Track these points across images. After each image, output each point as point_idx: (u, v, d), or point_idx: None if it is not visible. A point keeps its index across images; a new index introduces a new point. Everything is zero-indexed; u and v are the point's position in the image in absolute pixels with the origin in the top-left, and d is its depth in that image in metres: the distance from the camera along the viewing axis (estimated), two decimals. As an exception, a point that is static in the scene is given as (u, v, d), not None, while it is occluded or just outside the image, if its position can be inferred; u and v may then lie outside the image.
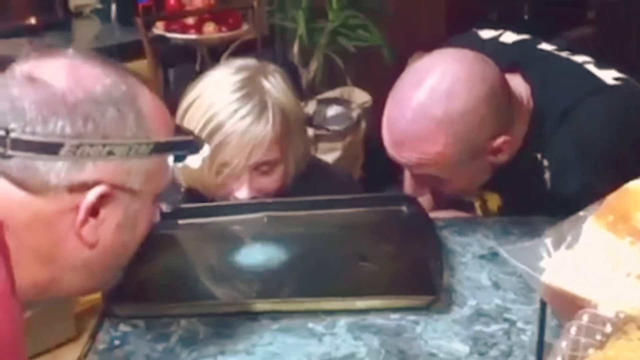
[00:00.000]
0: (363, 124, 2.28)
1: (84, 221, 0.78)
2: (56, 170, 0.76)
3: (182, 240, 1.19)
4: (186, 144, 0.87)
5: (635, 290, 0.56)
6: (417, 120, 1.11)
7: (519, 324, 0.98)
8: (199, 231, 1.19)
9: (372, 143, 2.03)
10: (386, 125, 1.15)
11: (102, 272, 0.85)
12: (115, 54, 2.06)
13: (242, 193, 1.21)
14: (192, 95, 1.22)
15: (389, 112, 1.15)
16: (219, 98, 1.19)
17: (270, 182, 1.22)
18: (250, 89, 1.20)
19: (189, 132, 0.90)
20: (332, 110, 2.29)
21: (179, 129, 0.89)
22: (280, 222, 1.19)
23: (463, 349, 0.94)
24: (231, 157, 1.18)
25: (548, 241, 0.63)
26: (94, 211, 0.78)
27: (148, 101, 0.82)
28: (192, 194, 1.28)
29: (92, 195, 0.77)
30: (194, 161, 0.87)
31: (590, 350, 0.51)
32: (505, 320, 0.99)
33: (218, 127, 1.17)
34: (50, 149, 0.75)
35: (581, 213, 0.66)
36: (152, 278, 1.08)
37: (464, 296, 1.03)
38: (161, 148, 0.82)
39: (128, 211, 0.81)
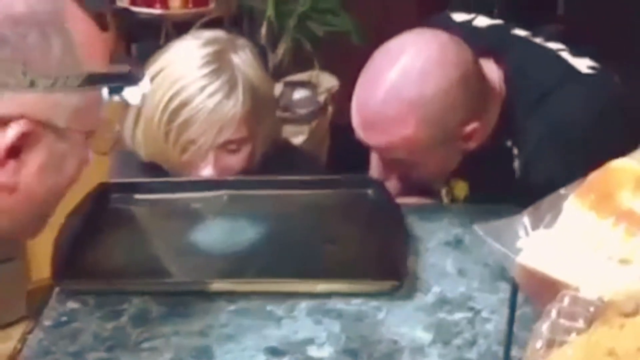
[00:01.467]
0: (330, 109, 2.25)
1: (2, 163, 0.70)
2: None
3: (138, 215, 1.14)
4: (124, 76, 0.78)
5: (616, 274, 0.53)
6: (389, 102, 1.08)
7: (484, 313, 0.95)
8: (156, 207, 1.15)
9: (339, 128, 2.00)
10: (356, 106, 1.12)
11: (24, 219, 0.77)
12: None
13: (207, 171, 1.17)
14: (157, 66, 1.17)
15: (360, 93, 1.12)
16: (186, 72, 1.14)
17: (236, 161, 1.18)
18: (219, 64, 1.15)
19: (129, 62, 0.83)
20: (299, 94, 2.25)
21: (117, 59, 0.80)
22: (241, 201, 1.15)
23: (426, 336, 0.91)
24: (198, 136, 1.13)
25: (526, 220, 0.60)
26: (13, 151, 0.70)
27: (81, 26, 0.73)
28: (150, 167, 1.23)
29: (11, 132, 0.69)
30: (132, 96, 0.80)
31: (573, 335, 0.48)
32: (470, 308, 0.96)
33: (185, 104, 1.13)
34: None
35: (562, 191, 0.63)
36: (104, 253, 1.04)
37: (428, 283, 1.01)
38: (93, 80, 0.73)
39: (53, 152, 0.73)
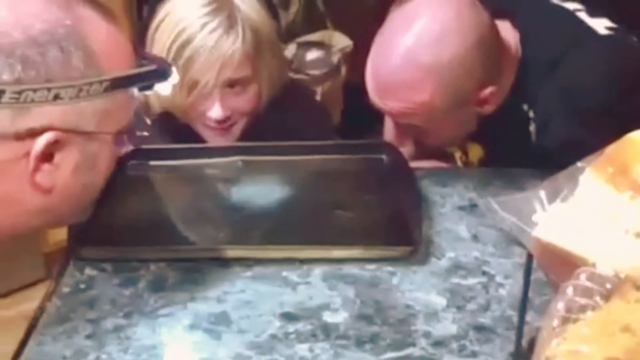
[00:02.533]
0: (343, 70, 2.23)
1: (36, 168, 0.75)
2: (0, 118, 0.72)
3: (153, 182, 1.14)
4: (149, 74, 0.81)
5: (633, 248, 0.53)
6: (404, 67, 1.06)
7: (498, 278, 0.96)
8: (171, 173, 1.15)
9: (352, 89, 1.98)
10: (371, 71, 1.11)
11: (64, 214, 0.82)
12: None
13: (215, 111, 1.18)
14: (163, 12, 1.20)
15: (375, 58, 1.10)
16: (188, 12, 1.18)
17: (243, 101, 1.20)
18: (219, 3, 1.18)
19: (155, 59, 0.84)
20: (312, 54, 2.22)
21: (145, 57, 0.82)
22: (256, 167, 1.15)
23: (440, 301, 0.92)
24: (201, 74, 1.16)
25: (542, 193, 0.59)
26: (47, 157, 0.75)
27: (100, 33, 0.76)
28: (164, 121, 1.23)
29: (40, 142, 0.73)
30: (164, 88, 0.82)
31: (588, 313, 0.48)
32: (484, 273, 0.97)
33: (187, 42, 1.15)
34: None
35: (579, 164, 0.62)
36: (121, 220, 1.04)
37: (442, 248, 1.01)
38: (118, 84, 0.76)
39: (85, 153, 0.77)
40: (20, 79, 0.71)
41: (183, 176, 1.15)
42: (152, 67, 0.81)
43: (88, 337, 0.87)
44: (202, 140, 1.25)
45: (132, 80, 0.79)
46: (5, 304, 2.03)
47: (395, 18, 1.11)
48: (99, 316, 0.90)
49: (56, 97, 0.73)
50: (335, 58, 2.21)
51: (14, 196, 0.76)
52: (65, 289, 0.95)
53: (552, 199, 0.59)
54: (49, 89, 0.72)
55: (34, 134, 0.73)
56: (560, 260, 0.56)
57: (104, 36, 0.76)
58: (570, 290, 0.50)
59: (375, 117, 1.33)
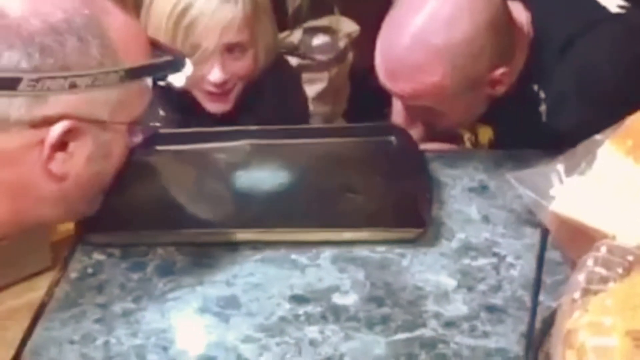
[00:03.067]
0: (350, 55, 2.21)
1: (51, 156, 0.75)
2: (16, 105, 0.72)
3: (160, 167, 1.13)
4: (164, 65, 0.82)
5: (654, 220, 0.52)
6: (415, 48, 1.05)
7: (509, 259, 0.95)
8: (179, 158, 1.14)
9: (359, 75, 1.97)
10: (380, 53, 1.10)
11: (77, 203, 0.82)
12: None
13: (215, 74, 1.21)
14: None
15: (384, 39, 1.09)
16: None
17: (241, 66, 1.23)
18: None
19: (169, 50, 0.85)
20: (318, 40, 2.20)
21: (158, 48, 0.83)
22: (264, 150, 1.14)
23: (451, 282, 0.91)
24: (202, 39, 1.18)
25: (560, 167, 0.58)
26: (61, 145, 0.75)
27: (117, 24, 0.76)
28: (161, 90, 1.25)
29: (55, 130, 0.74)
30: (177, 79, 0.83)
31: (610, 284, 0.47)
32: (494, 254, 0.96)
33: (187, 8, 1.17)
34: (6, 84, 0.71)
35: (597, 137, 0.61)
36: (128, 205, 1.03)
37: (452, 230, 1.00)
38: (134, 74, 0.77)
39: (99, 142, 0.78)
40: (37, 67, 0.71)
41: (190, 161, 1.14)
42: (168, 57, 0.82)
43: (97, 321, 0.87)
44: (200, 107, 1.25)
45: (147, 71, 0.79)
46: (12, 293, 2.03)
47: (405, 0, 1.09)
48: (108, 300, 0.90)
49: (72, 85, 0.73)
50: (342, 43, 2.19)
51: (28, 184, 0.76)
52: (73, 274, 0.94)
53: (570, 172, 0.58)
54: (65, 78, 0.72)
55: (49, 122, 0.74)
56: (578, 235, 0.54)
57: (121, 26, 0.77)
58: (590, 262, 0.49)
59: (383, 102, 1.32)
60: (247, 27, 1.20)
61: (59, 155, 0.76)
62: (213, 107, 1.25)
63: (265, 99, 1.29)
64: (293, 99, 1.39)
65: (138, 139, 0.85)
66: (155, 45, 0.83)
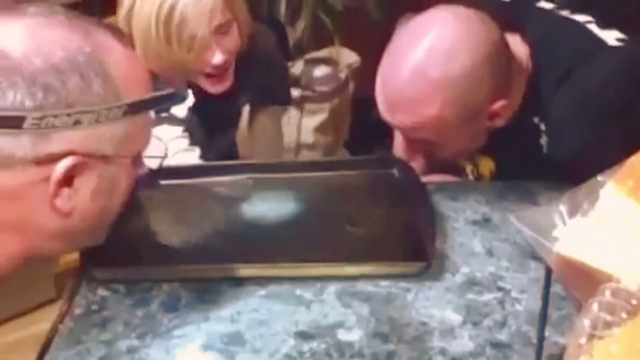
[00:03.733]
0: (351, 86, 2.22)
1: (56, 193, 0.75)
2: (21, 143, 0.72)
3: (163, 201, 1.14)
4: (166, 98, 0.83)
5: (657, 262, 0.52)
6: (414, 82, 1.06)
7: (513, 293, 0.95)
8: (182, 192, 1.15)
9: (360, 104, 1.98)
10: (380, 85, 1.10)
11: (82, 237, 0.83)
12: (96, 7, 1.99)
13: (217, 57, 1.29)
14: None
15: (384, 72, 1.10)
16: None
17: (231, 41, 1.32)
18: None
19: (169, 83, 0.86)
20: (320, 71, 2.21)
21: (159, 80, 0.85)
22: (266, 184, 1.14)
23: (456, 318, 0.91)
24: (195, 28, 1.25)
25: (563, 208, 0.59)
26: (67, 181, 0.75)
27: (118, 59, 0.77)
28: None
29: (61, 167, 0.74)
30: (180, 110, 0.84)
31: (614, 329, 0.47)
32: (499, 289, 0.96)
33: (173, 7, 1.23)
34: (11, 122, 0.71)
35: (599, 177, 0.61)
36: (132, 241, 1.04)
37: (456, 263, 1.00)
38: (136, 108, 0.78)
39: (104, 177, 0.78)
40: (41, 105, 0.72)
41: (193, 195, 1.14)
42: (170, 90, 0.82)
43: (101, 359, 0.87)
44: (202, 91, 1.30)
45: (149, 104, 0.80)
46: (16, 325, 2.02)
47: (405, 32, 1.10)
48: (112, 337, 0.90)
49: (76, 122, 0.73)
50: (342, 74, 2.21)
51: (33, 220, 0.76)
52: (78, 310, 0.94)
53: (572, 213, 0.59)
54: (69, 115, 0.73)
55: (54, 158, 0.74)
56: (582, 276, 0.55)
57: (122, 61, 0.77)
58: (595, 307, 0.49)
59: (384, 131, 1.32)
60: (229, 6, 1.29)
61: (65, 191, 0.76)
62: (216, 88, 1.32)
63: (255, 69, 1.38)
64: (276, 64, 1.50)
65: (143, 170, 0.85)
66: (156, 78, 0.84)
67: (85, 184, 0.77)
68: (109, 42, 0.77)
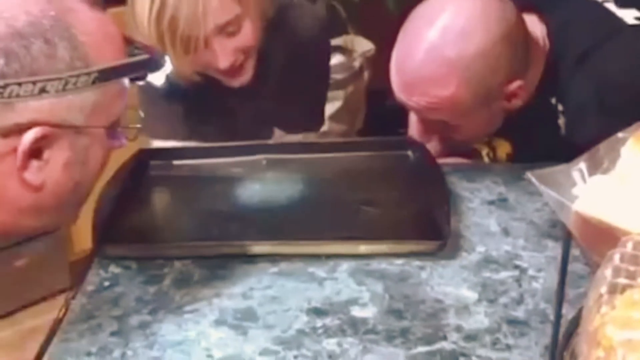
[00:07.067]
0: (366, 74, 2.21)
1: (24, 165, 0.72)
2: None
3: (177, 181, 1.14)
4: (140, 64, 0.77)
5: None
6: (429, 62, 1.05)
7: (530, 272, 0.93)
8: (195, 172, 1.15)
9: (375, 93, 1.96)
10: (395, 66, 1.09)
11: (56, 212, 0.78)
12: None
13: (222, 63, 1.17)
14: None
15: (399, 53, 1.09)
16: None
17: (241, 40, 1.18)
18: None
19: (147, 49, 0.80)
20: (334, 59, 2.21)
21: (137, 47, 0.79)
22: (281, 164, 1.14)
23: (471, 295, 0.90)
24: (190, 28, 1.13)
25: (583, 165, 0.57)
26: (35, 153, 0.72)
27: (87, 23, 0.73)
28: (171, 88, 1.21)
29: (27, 138, 0.70)
30: (157, 78, 0.79)
31: (638, 280, 0.46)
32: (516, 267, 0.94)
33: (163, 6, 1.12)
34: None
35: (620, 135, 0.60)
36: (145, 219, 1.04)
37: (472, 242, 0.99)
38: (107, 75, 0.73)
39: (75, 149, 0.74)
40: (3, 73, 0.69)
41: (207, 175, 1.14)
42: (143, 56, 0.77)
43: (113, 333, 0.86)
44: (213, 87, 1.22)
45: (121, 71, 0.75)
46: (31, 313, 2.03)
47: (420, 12, 1.09)
48: (124, 313, 0.89)
49: (42, 90, 0.70)
50: (357, 62, 2.20)
51: (3, 194, 0.73)
52: (90, 287, 0.94)
53: (592, 171, 0.57)
54: (34, 83, 0.69)
55: (20, 129, 0.70)
56: (601, 236, 0.53)
57: (92, 26, 0.73)
58: (617, 258, 0.48)
59: (399, 120, 1.31)
60: (235, 1, 1.15)
61: (34, 164, 0.72)
62: (234, 82, 1.22)
63: (280, 58, 1.25)
64: (307, 51, 1.34)
65: (120, 142, 0.80)
66: (131, 43, 0.79)
67: (56, 156, 0.73)
68: (76, 5, 0.73)
